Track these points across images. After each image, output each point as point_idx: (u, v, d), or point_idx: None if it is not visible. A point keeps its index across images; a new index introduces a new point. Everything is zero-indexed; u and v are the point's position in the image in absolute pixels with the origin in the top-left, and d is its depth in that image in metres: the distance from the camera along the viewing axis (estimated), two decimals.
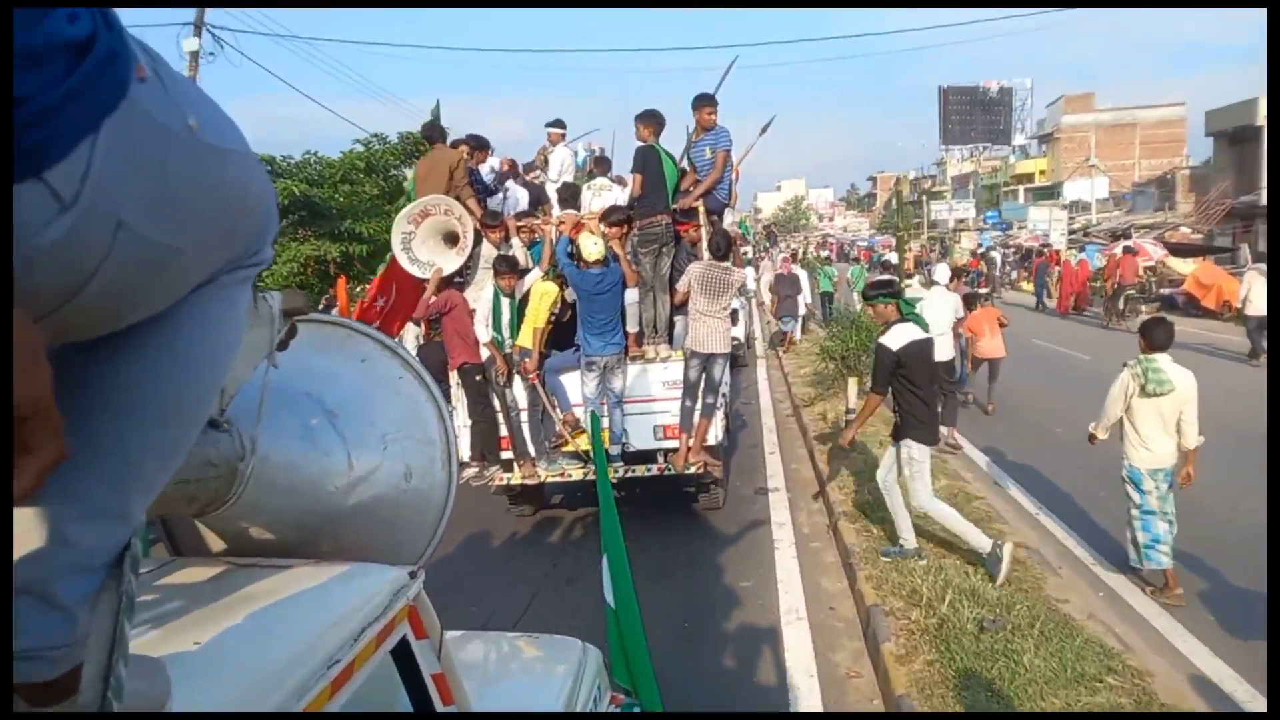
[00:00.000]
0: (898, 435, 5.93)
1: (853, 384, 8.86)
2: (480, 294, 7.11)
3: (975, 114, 68.20)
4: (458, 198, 7.13)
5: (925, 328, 6.00)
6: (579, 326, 6.97)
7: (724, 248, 6.95)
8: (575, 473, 7.05)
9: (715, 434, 7.05)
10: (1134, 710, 3.97)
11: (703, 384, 6.80)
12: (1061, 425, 9.97)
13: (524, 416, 7.07)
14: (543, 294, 6.96)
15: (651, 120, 7.18)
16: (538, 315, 6.87)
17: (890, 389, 5.88)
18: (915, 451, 5.73)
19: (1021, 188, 63.32)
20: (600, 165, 9.23)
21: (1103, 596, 5.73)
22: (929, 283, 11.22)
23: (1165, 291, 22.38)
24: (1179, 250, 25.61)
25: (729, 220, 8.10)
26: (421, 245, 6.90)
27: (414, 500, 1.88)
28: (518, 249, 7.48)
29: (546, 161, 9.86)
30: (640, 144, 7.13)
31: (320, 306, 15.09)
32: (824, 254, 37.01)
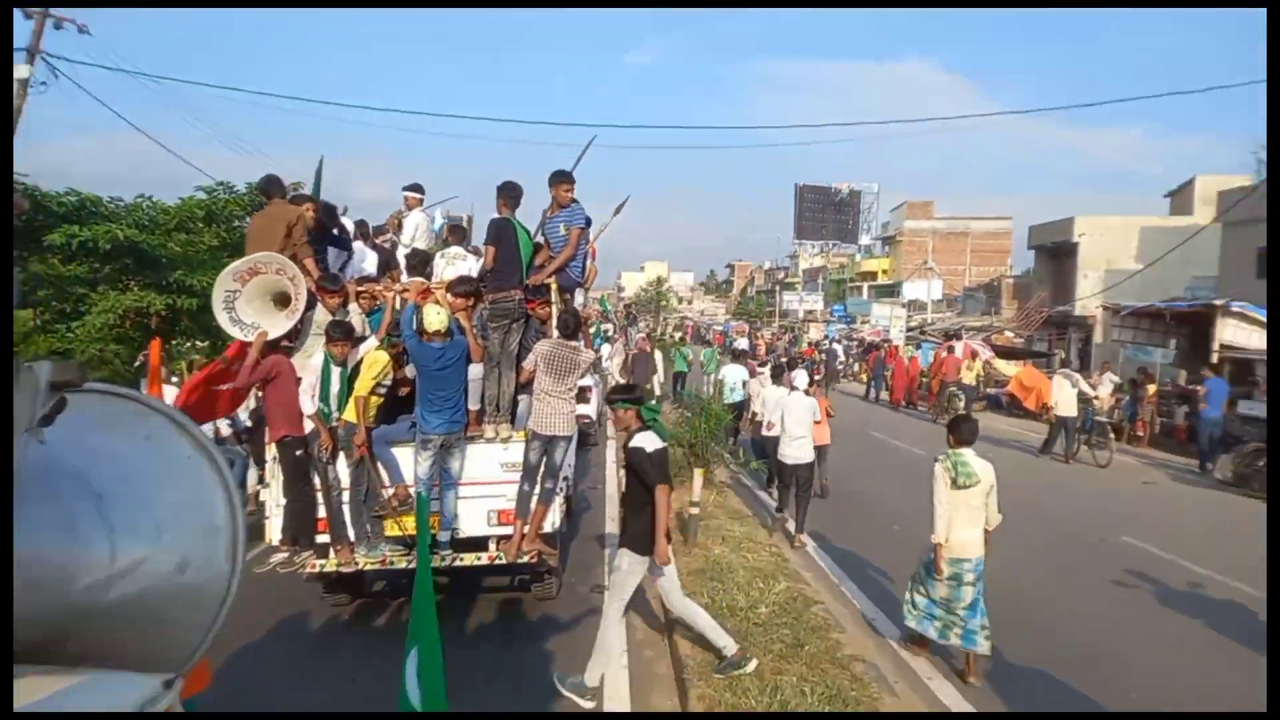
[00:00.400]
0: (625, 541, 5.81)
1: (698, 475, 8.70)
2: (309, 362, 6.61)
3: (827, 212, 72.09)
4: (294, 257, 6.70)
5: (664, 438, 5.87)
6: (417, 402, 6.53)
7: (573, 326, 6.84)
8: (399, 560, 6.58)
9: (553, 521, 6.79)
10: None
11: (543, 467, 6.57)
12: (899, 522, 10.29)
13: (345, 497, 6.57)
14: (371, 363, 6.58)
15: (509, 193, 7.05)
16: (362, 384, 6.50)
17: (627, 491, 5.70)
18: (624, 561, 5.57)
19: (865, 284, 67.23)
20: (455, 234, 8.90)
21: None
22: (790, 386, 10.93)
23: (992, 391, 23.90)
24: (1004, 353, 27.48)
25: (579, 300, 7.91)
26: (247, 305, 6.39)
27: (187, 595, 1.71)
28: (355, 315, 7.07)
29: (400, 225, 9.55)
30: (496, 217, 6.99)
31: (137, 363, 13.80)
32: (679, 335, 37.64)
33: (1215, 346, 17.09)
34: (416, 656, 3.13)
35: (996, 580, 6.46)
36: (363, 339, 6.86)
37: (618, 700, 5.60)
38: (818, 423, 10.25)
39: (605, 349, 23.42)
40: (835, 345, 38.37)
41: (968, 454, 6.12)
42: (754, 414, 12.22)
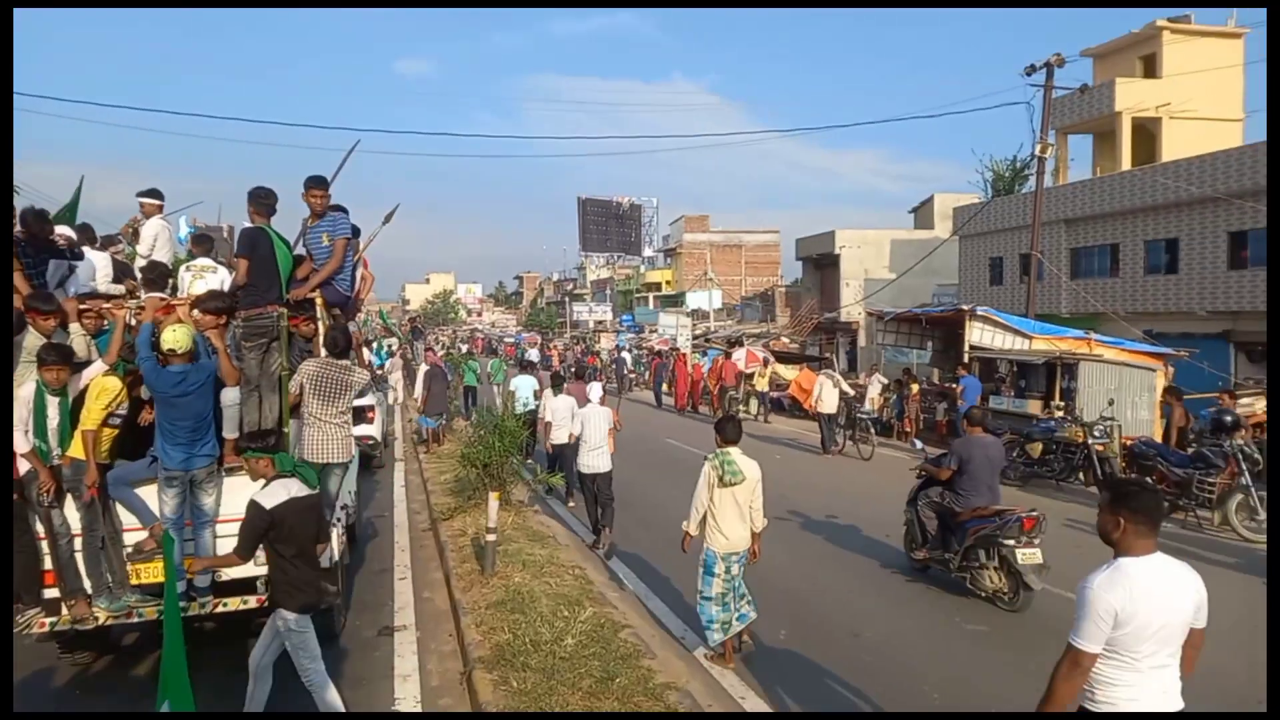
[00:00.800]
0: (272, 605, 5.19)
1: (493, 499, 8.11)
2: (19, 392, 5.71)
3: (610, 225, 73.19)
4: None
5: (312, 484, 5.34)
6: (156, 434, 5.80)
7: (343, 345, 6.49)
8: (148, 611, 5.86)
9: (331, 555, 6.22)
10: None
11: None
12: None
13: (77, 544, 5.77)
14: (99, 391, 5.72)
15: (261, 200, 6.49)
16: (90, 416, 5.67)
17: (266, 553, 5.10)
18: (293, 622, 4.99)
19: (651, 295, 69.04)
20: (201, 244, 7.94)
21: None
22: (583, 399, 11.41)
23: (774, 395, 24.95)
24: (782, 358, 28.88)
25: (359, 318, 7.19)
26: None
27: None
28: (78, 337, 6.20)
29: (137, 235, 8.39)
30: (248, 226, 6.44)
31: None
32: (465, 348, 36.64)
33: (966, 348, 18.69)
34: (169, 709, 3.02)
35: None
36: (86, 364, 6.05)
37: None
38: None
39: (388, 364, 23.01)
40: (624, 354, 39.15)
41: (734, 453, 6.45)
42: (547, 424, 12.38)
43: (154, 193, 8.42)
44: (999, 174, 40.76)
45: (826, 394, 17.97)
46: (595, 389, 10.92)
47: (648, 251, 73.88)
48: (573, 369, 17.53)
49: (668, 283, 69.67)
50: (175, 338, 5.63)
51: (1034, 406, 16.51)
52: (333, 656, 6.36)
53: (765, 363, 25.82)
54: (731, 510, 6.35)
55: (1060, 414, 15.04)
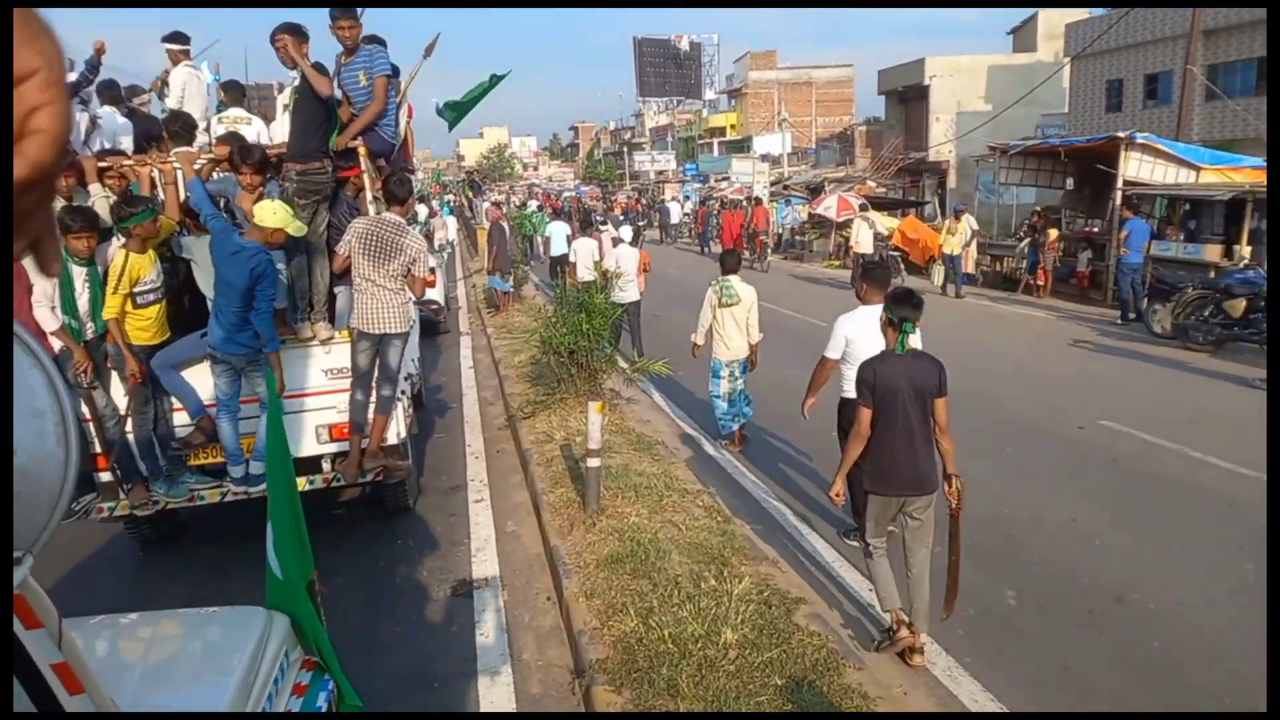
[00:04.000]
0: None
1: (595, 411, 6.00)
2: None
3: (669, 68, 69.91)
4: None
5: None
6: (214, 312, 5.26)
7: (403, 195, 5.90)
8: (209, 494, 5.64)
9: (397, 431, 5.91)
10: None
11: (377, 371, 5.70)
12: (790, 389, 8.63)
13: (129, 425, 5.43)
14: (116, 274, 5.10)
15: (302, 33, 5.60)
16: (110, 306, 5.12)
17: None
18: None
19: (715, 141, 64.90)
20: (233, 92, 7.23)
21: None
22: (615, 239, 13.02)
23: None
24: (876, 205, 25.84)
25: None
26: None
27: (20, 480, 1.44)
28: (99, 199, 5.55)
29: (166, 85, 7.49)
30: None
31: None
32: (533, 205, 34.45)
33: (1119, 183, 15.68)
34: (272, 532, 2.92)
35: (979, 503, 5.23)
36: (111, 229, 5.40)
37: None
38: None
39: (433, 222, 22.58)
40: (671, 203, 38.97)
41: (733, 280, 7.76)
42: (572, 264, 13.41)
43: (177, 36, 7.52)
44: None
45: (863, 235, 18.90)
46: (626, 231, 12.99)
47: (709, 94, 70.09)
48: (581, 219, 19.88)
49: (732, 127, 65.28)
50: (277, 216, 5.12)
51: (1212, 253, 13.66)
52: (404, 634, 4.82)
53: (862, 208, 22.99)
54: (731, 326, 7.67)
55: (1246, 262, 12.29)
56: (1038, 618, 4.88)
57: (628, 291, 10.74)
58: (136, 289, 5.14)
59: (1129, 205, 14.64)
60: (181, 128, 5.98)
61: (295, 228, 5.26)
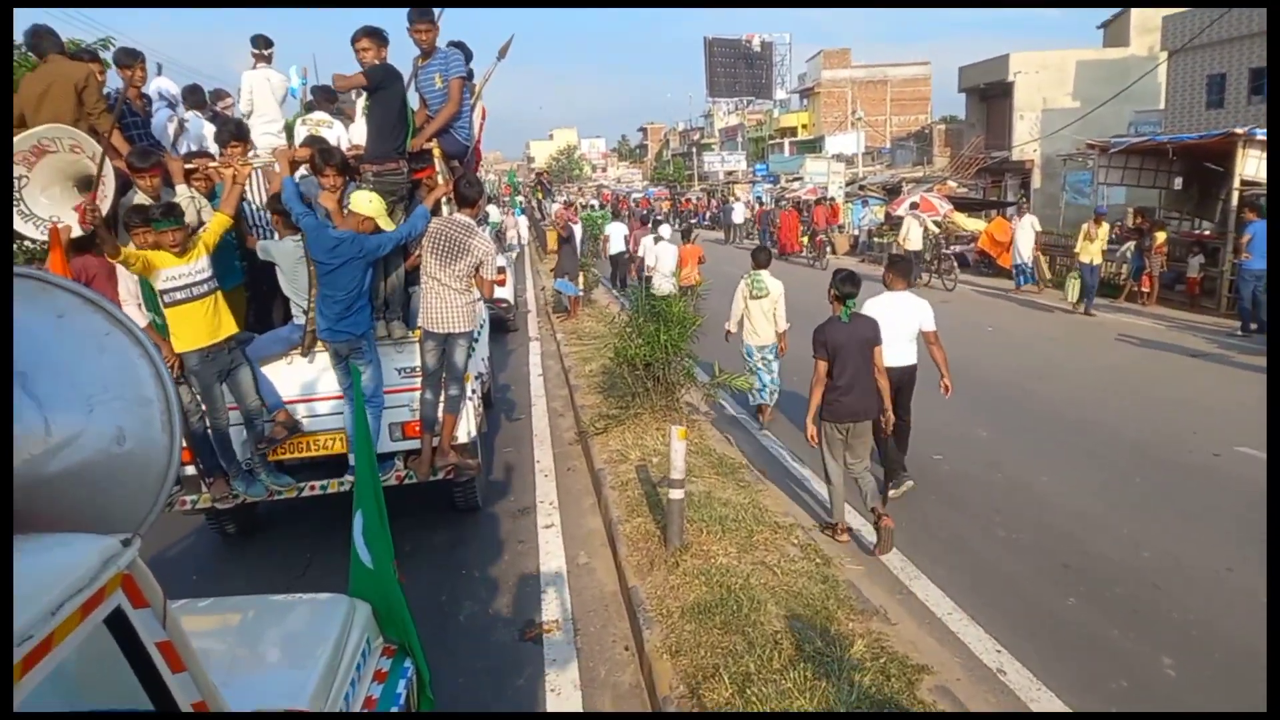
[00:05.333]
0: None
1: (678, 438, 5.22)
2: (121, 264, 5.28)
3: (739, 67, 69.19)
4: (92, 130, 5.37)
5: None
6: (319, 303, 5.43)
7: (473, 197, 5.88)
8: (286, 492, 5.69)
9: (468, 429, 5.94)
10: None
11: (445, 371, 5.74)
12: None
13: (208, 421, 5.48)
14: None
15: (382, 37, 5.62)
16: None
17: None
18: None
19: (786, 140, 63.82)
20: (322, 96, 7.32)
21: None
22: (656, 237, 14.15)
23: (956, 249, 21.14)
24: (959, 205, 24.69)
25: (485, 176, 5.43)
26: (40, 195, 5.23)
27: (129, 464, 1.73)
28: (184, 199, 5.52)
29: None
30: (377, 64, 5.58)
31: None
32: (597, 204, 34.31)
33: (1236, 183, 14.43)
34: (362, 519, 3.00)
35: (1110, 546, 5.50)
36: (196, 227, 5.40)
37: None
38: (683, 261, 13.22)
39: (524, 221, 24.01)
40: (735, 204, 39.61)
41: (763, 274, 8.48)
42: (640, 258, 14.76)
43: (255, 40, 7.72)
44: None
45: (913, 233, 20.23)
46: (665, 229, 14.54)
47: (780, 94, 69.02)
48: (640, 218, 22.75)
49: (804, 126, 64.07)
50: (372, 205, 5.33)
51: None
52: (466, 685, 4.35)
53: (913, 207, 22.15)
54: (759, 316, 8.44)
55: None
56: (1206, 694, 4.13)
57: (665, 284, 12.54)
58: (162, 285, 5.03)
59: (1252, 206, 13.35)
60: (227, 135, 6.02)
61: (386, 221, 5.44)
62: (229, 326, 5.29)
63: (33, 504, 1.55)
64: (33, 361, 1.64)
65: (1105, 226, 15.40)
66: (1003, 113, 38.60)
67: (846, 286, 5.73)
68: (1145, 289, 15.59)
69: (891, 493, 6.58)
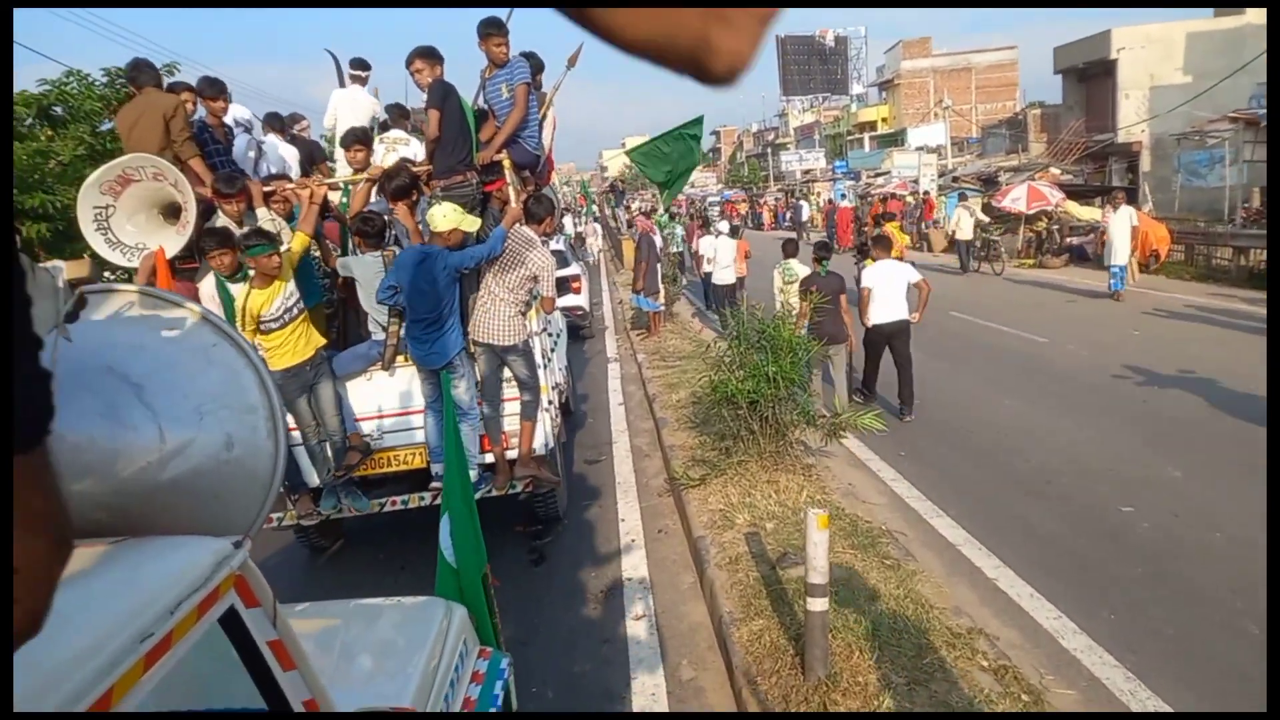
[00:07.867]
0: None
1: (818, 527, 3.78)
2: (200, 288, 5.55)
3: (813, 63, 68.02)
4: (177, 157, 5.54)
5: None
6: (408, 328, 5.48)
7: (542, 214, 5.79)
8: (370, 507, 5.72)
9: (545, 441, 5.91)
10: None
11: (503, 383, 5.78)
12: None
13: (295, 438, 5.50)
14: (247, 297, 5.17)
15: (429, 56, 5.71)
16: (242, 325, 5.06)
17: None
18: None
19: (865, 136, 61.67)
20: (397, 114, 7.51)
21: None
22: (717, 233, 15.48)
23: (1074, 241, 19.05)
24: (1070, 194, 22.53)
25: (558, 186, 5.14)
26: (126, 223, 5.29)
27: (237, 471, 1.79)
28: (266, 222, 5.66)
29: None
30: (434, 81, 5.65)
31: None
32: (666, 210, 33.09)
33: None
34: (449, 521, 3.15)
35: None
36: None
37: None
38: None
39: (597, 228, 24.75)
40: (801, 202, 41.06)
41: (792, 263, 10.30)
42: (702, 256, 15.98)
43: (354, 62, 8.02)
44: None
45: (964, 223, 21.07)
46: (723, 225, 16.43)
47: (857, 89, 67.34)
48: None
49: (884, 120, 61.70)
50: (448, 219, 5.35)
51: None
52: None
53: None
54: (795, 297, 9.18)
55: None
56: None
57: (725, 275, 14.43)
58: (261, 320, 5.14)
59: None
60: (353, 140, 6.37)
61: (469, 223, 5.45)
62: (315, 340, 5.42)
63: (149, 510, 1.64)
64: (146, 374, 1.73)
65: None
66: (1104, 93, 35.83)
67: (821, 251, 8.96)
68: None
69: (905, 419, 8.60)
